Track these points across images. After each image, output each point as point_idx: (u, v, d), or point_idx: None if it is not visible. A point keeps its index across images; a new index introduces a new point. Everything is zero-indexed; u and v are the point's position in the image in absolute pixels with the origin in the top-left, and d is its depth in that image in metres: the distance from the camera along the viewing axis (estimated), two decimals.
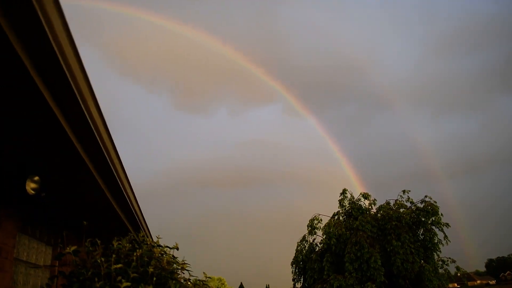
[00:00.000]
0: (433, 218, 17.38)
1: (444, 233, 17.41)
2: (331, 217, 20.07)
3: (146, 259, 4.83)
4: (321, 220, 19.61)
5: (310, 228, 19.68)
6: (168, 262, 5.23)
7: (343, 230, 18.04)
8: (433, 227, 17.56)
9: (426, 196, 18.22)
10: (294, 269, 20.43)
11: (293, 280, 20.51)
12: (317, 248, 19.97)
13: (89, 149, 3.89)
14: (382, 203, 19.59)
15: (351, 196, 20.10)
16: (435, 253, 17.49)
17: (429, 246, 17.22)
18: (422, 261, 17.46)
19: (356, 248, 16.80)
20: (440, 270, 17.59)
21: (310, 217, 19.97)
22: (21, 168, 4.00)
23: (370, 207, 19.59)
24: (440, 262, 17.82)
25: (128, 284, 4.16)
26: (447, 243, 17.37)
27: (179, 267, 5.06)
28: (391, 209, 18.64)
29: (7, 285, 4.39)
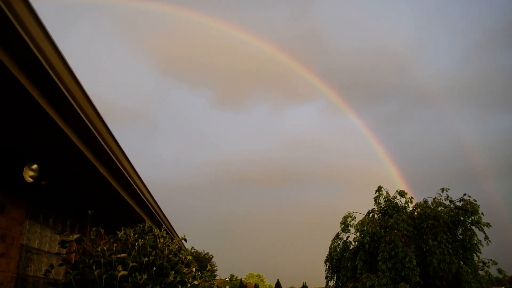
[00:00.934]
0: (473, 218, 16.58)
1: (484, 233, 16.59)
2: (366, 215, 19.60)
3: (149, 249, 4.82)
4: (355, 217, 19.20)
5: (343, 225, 19.30)
6: (174, 253, 5.19)
7: (377, 228, 17.55)
8: (473, 227, 16.77)
9: (465, 194, 17.43)
10: (327, 267, 20.13)
11: (326, 278, 20.20)
12: (351, 246, 19.56)
13: (83, 137, 3.88)
14: (420, 201, 18.91)
15: (386, 193, 19.54)
16: (474, 254, 16.70)
17: (468, 247, 16.46)
18: (461, 262, 16.72)
19: (390, 247, 16.30)
20: (480, 272, 16.78)
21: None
22: (19, 155, 4.06)
23: (406, 205, 18.97)
24: (481, 264, 17.01)
25: (125, 272, 4.14)
26: (487, 243, 16.55)
27: (182, 259, 5.01)
28: (428, 207, 17.95)
29: (13, 271, 4.47)
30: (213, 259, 42.37)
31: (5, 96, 2.98)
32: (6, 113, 3.28)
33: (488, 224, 16.67)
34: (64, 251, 4.67)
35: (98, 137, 3.92)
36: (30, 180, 4.07)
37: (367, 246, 17.49)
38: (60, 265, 4.81)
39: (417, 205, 18.66)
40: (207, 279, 5.27)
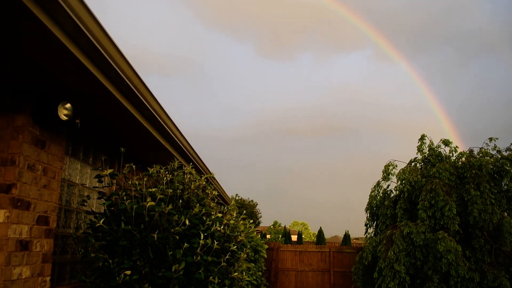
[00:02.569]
0: None
1: None
2: (408, 164, 19.36)
3: (177, 184, 5.15)
4: (396, 166, 18.99)
5: (384, 174, 19.18)
6: (203, 189, 5.53)
7: (419, 177, 17.35)
8: None
9: (511, 144, 16.77)
10: (367, 215, 20.29)
11: (366, 225, 20.39)
12: (392, 194, 19.52)
13: (110, 77, 4.14)
14: (465, 151, 18.41)
15: (430, 142, 19.11)
16: None
17: None
18: (505, 213, 16.38)
19: (431, 195, 16.14)
20: None
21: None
22: (54, 94, 4.38)
23: (450, 155, 18.53)
24: None
25: (153, 203, 4.50)
26: None
27: (209, 194, 5.33)
28: (473, 157, 17.48)
29: (55, 201, 4.94)
30: (258, 207, 43.63)
31: (34, 39, 3.24)
32: (38, 56, 3.56)
33: None
34: (101, 185, 5.08)
35: (123, 77, 4.16)
36: (65, 118, 4.42)
37: (406, 195, 17.40)
38: (98, 198, 5.26)
39: (461, 155, 18.21)
40: (231, 212, 5.58)
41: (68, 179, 5.50)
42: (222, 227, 4.89)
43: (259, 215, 43.64)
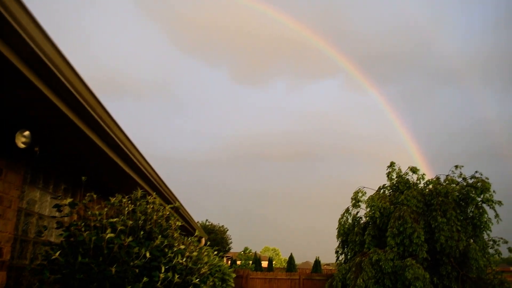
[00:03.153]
0: (484, 195, 16.45)
1: (495, 211, 16.49)
2: (377, 190, 19.62)
3: (139, 214, 5.02)
4: (365, 193, 19.23)
5: (354, 200, 19.36)
6: (166, 219, 5.39)
7: (387, 204, 17.60)
8: (484, 205, 16.66)
9: (476, 172, 17.26)
10: (339, 242, 20.33)
11: (336, 252, 20.44)
12: (361, 221, 19.68)
13: (70, 105, 4.04)
14: (432, 178, 18.82)
15: (399, 169, 19.48)
16: (484, 232, 16.64)
17: (478, 225, 16.41)
18: (470, 240, 16.71)
19: (399, 222, 16.36)
20: (490, 250, 16.75)
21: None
22: (11, 122, 4.24)
23: (418, 182, 18.91)
24: (491, 242, 16.96)
25: (112, 235, 4.34)
26: (498, 222, 16.45)
27: (172, 225, 5.21)
28: (440, 184, 17.87)
29: (10, 231, 4.72)
30: (228, 232, 43.07)
31: None
32: None
33: (499, 202, 16.54)
34: (60, 215, 4.89)
35: (85, 105, 4.07)
36: (23, 146, 4.26)
37: (377, 221, 17.58)
38: (57, 228, 5.06)
39: (428, 182, 18.60)
40: (194, 244, 5.46)
41: (26, 208, 5.29)
42: (184, 260, 4.76)
43: (230, 240, 43.05)
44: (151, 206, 5.04)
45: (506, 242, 16.91)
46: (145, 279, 4.26)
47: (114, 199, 5.14)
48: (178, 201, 9.17)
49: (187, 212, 10.77)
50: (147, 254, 4.41)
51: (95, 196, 4.97)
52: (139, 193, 5.37)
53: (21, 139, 4.25)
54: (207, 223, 41.79)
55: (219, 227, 41.92)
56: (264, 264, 49.74)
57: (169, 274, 4.45)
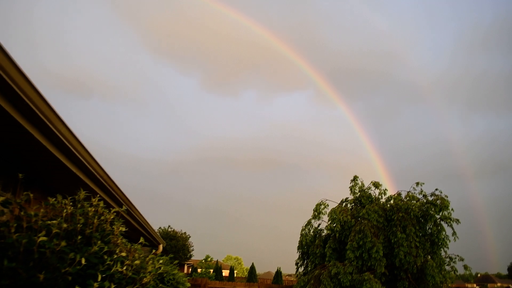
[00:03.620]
0: (442, 213, 16.68)
1: (453, 229, 16.74)
2: (339, 204, 19.62)
3: (79, 217, 4.66)
4: (328, 205, 19.19)
5: (315, 212, 19.29)
6: (110, 223, 5.03)
7: (349, 217, 17.58)
8: (442, 222, 16.88)
9: (436, 189, 17.51)
10: (299, 254, 20.17)
11: (296, 264, 20.29)
12: (323, 233, 19.61)
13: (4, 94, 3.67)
14: (393, 194, 18.97)
15: (361, 183, 19.56)
16: (442, 249, 16.85)
17: (436, 241, 16.59)
18: (428, 256, 16.88)
19: (359, 236, 16.35)
20: (446, 267, 16.95)
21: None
22: None
23: (380, 197, 19.02)
24: (447, 259, 17.18)
25: (45, 238, 3.98)
26: (455, 239, 16.70)
27: (115, 230, 4.85)
28: (401, 200, 18.02)
29: None
30: (190, 239, 42.34)
31: None
32: None
33: (457, 220, 16.79)
34: None
35: (20, 94, 3.71)
36: None
37: (337, 235, 17.52)
38: None
39: (390, 197, 18.74)
40: (139, 252, 5.12)
41: None
42: (124, 268, 4.42)
43: (191, 248, 42.28)
44: (93, 209, 4.68)
45: (462, 259, 17.16)
46: (77, 287, 3.90)
47: (53, 199, 4.75)
48: (132, 205, 8.76)
49: (142, 217, 10.32)
50: (83, 261, 4.06)
51: (31, 195, 4.58)
52: (82, 194, 4.99)
53: None
54: (169, 229, 40.93)
55: (181, 233, 41.12)
56: (226, 273, 49.12)
57: (106, 283, 4.10)
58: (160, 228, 41.54)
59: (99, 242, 4.45)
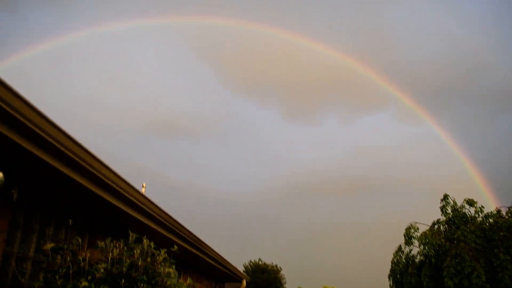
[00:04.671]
0: None
1: None
2: (431, 226, 18.17)
3: (125, 259, 4.63)
4: (418, 228, 17.83)
5: (406, 237, 18.00)
6: (161, 264, 4.96)
7: (443, 240, 16.17)
8: None
9: None
10: (390, 282, 18.88)
11: None
12: (416, 259, 18.21)
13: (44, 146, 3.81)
14: (492, 211, 17.19)
15: (453, 202, 17.99)
16: None
17: None
18: None
19: (457, 261, 14.93)
20: None
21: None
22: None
23: (476, 215, 17.32)
24: None
25: (86, 283, 3.98)
26: None
27: (161, 271, 4.74)
28: (502, 217, 16.25)
29: None
30: (282, 272, 41.78)
31: None
32: None
33: None
34: (45, 259, 4.62)
35: (61, 148, 3.82)
36: None
37: (432, 260, 16.18)
38: (37, 271, 4.79)
39: (488, 215, 16.99)
40: None
41: (16, 252, 5.05)
42: None
43: (283, 280, 41.63)
44: (138, 251, 4.64)
45: None
46: None
47: (102, 243, 4.81)
48: (203, 243, 8.73)
49: (216, 253, 10.27)
50: None
51: (80, 239, 4.68)
52: (132, 236, 5.00)
53: None
54: (260, 262, 40.78)
55: (272, 266, 40.78)
56: None
57: None
58: (250, 261, 41.60)
59: (144, 284, 4.37)
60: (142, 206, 5.79)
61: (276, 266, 41.40)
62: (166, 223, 6.64)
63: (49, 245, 4.47)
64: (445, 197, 18.12)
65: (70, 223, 4.89)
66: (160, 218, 6.42)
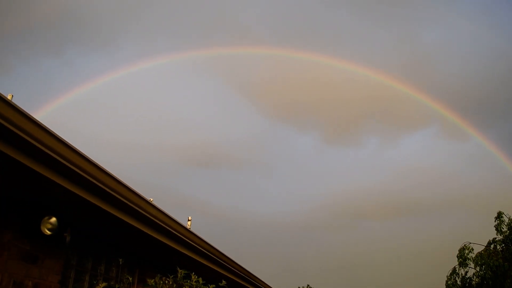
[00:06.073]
0: None
1: None
2: (486, 246, 17.29)
3: None
4: (472, 249, 17.00)
5: (460, 259, 17.18)
6: None
7: (500, 260, 15.34)
8: None
9: None
10: None
11: None
12: (472, 282, 17.31)
13: (91, 191, 3.95)
14: None
15: (509, 219, 17.09)
16: None
17: None
18: None
19: None
20: None
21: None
22: (36, 209, 4.25)
23: None
24: None
25: None
26: None
27: None
28: None
29: None
30: None
31: None
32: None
33: None
34: None
35: (108, 190, 3.96)
36: (48, 232, 4.23)
37: (490, 282, 15.35)
38: None
39: None
40: None
41: None
42: None
43: None
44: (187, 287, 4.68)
45: None
46: None
47: (151, 280, 4.88)
48: (251, 274, 8.66)
49: (265, 284, 10.16)
50: None
51: (130, 278, 4.77)
52: (181, 273, 5.05)
53: (47, 226, 4.22)
54: None
55: None
56: None
57: None
58: (299, 287, 40.91)
59: None
60: (189, 241, 5.85)
61: None
62: (214, 257, 6.67)
63: (102, 285, 4.58)
64: (499, 214, 17.27)
65: (121, 262, 5.01)
66: (207, 252, 6.46)
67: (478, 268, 16.07)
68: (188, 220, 10.13)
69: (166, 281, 4.83)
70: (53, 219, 4.28)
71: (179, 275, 4.98)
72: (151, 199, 5.13)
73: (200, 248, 6.21)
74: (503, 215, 17.19)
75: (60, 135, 3.37)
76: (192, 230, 5.95)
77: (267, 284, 10.51)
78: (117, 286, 4.67)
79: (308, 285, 40.68)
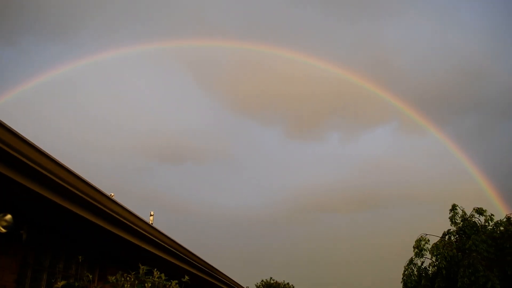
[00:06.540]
0: None
1: None
2: (441, 237, 17.99)
3: None
4: (428, 240, 17.64)
5: (416, 250, 17.80)
6: None
7: (454, 251, 15.99)
8: None
9: None
10: None
11: None
12: (428, 271, 17.98)
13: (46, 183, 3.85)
14: (501, 219, 17.04)
15: (463, 212, 17.85)
16: None
17: None
18: None
19: (470, 271, 14.73)
20: None
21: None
22: None
23: (486, 224, 17.15)
24: None
25: None
26: None
27: None
28: (511, 224, 16.10)
29: None
30: None
31: None
32: None
33: None
34: None
35: (66, 185, 3.86)
36: (3, 230, 4.09)
37: (443, 271, 15.97)
38: None
39: (498, 223, 16.84)
40: None
41: None
42: None
43: None
44: (149, 284, 4.64)
45: None
46: None
47: (112, 277, 4.81)
48: (214, 268, 8.68)
49: (228, 277, 10.20)
50: None
51: (90, 276, 4.68)
52: (142, 269, 5.00)
53: (2, 223, 4.08)
54: (272, 281, 40.41)
55: (284, 284, 40.41)
56: None
57: None
58: (262, 280, 41.17)
59: None
60: (151, 236, 5.80)
61: (288, 284, 41.03)
62: (177, 252, 6.63)
63: (60, 283, 4.48)
64: (454, 207, 18.00)
65: (80, 259, 4.91)
66: (170, 248, 6.42)
67: (434, 258, 16.69)
68: (151, 215, 10.03)
69: (128, 278, 4.77)
70: (8, 216, 4.14)
71: (141, 271, 4.93)
72: (112, 194, 5.05)
73: (163, 244, 6.17)
74: (457, 208, 17.93)
75: (13, 128, 3.26)
76: (155, 225, 5.89)
77: (230, 278, 10.55)
78: (76, 284, 4.57)
79: (271, 278, 41.17)
